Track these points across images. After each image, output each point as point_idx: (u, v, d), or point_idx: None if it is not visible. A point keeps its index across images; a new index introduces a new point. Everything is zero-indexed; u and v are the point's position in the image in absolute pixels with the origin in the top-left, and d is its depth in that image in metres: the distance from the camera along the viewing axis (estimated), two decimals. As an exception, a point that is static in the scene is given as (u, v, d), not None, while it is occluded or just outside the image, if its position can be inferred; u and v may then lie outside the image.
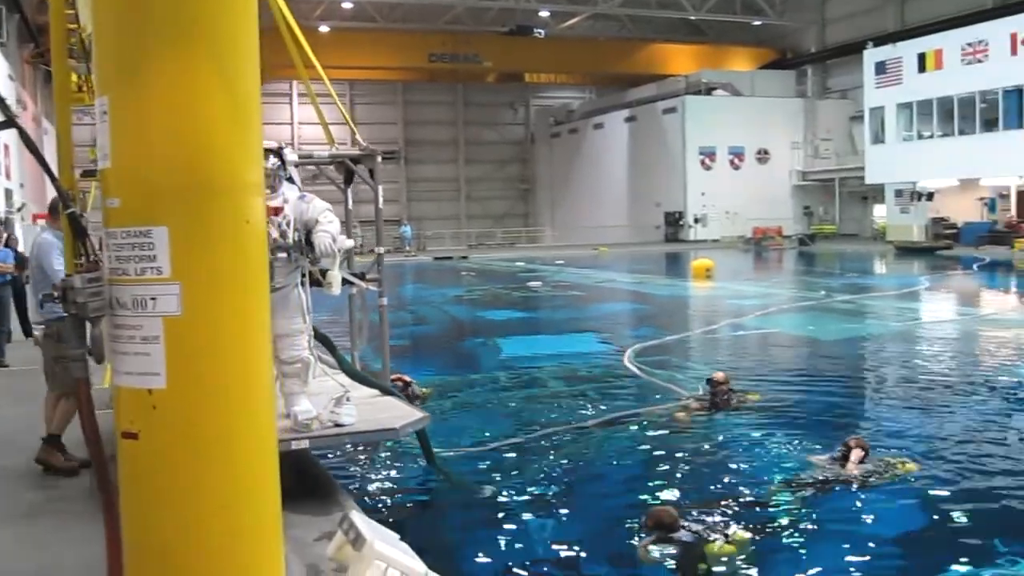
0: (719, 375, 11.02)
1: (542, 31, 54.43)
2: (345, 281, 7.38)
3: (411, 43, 55.57)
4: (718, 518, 6.81)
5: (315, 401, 6.83)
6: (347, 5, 51.87)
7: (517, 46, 55.90)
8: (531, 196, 71.63)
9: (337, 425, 6.64)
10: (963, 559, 6.16)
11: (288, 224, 6.67)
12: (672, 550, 6.22)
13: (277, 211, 6.63)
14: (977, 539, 6.46)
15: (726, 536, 6.33)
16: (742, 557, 6.17)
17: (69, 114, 5.17)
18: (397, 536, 4.11)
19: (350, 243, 7.23)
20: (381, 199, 8.66)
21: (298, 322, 6.83)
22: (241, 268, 3.11)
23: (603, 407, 10.99)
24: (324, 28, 52.15)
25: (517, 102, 70.71)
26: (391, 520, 6.61)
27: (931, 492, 7.50)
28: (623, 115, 60.36)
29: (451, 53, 57.01)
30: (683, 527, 6.44)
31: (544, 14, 54.47)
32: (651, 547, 6.29)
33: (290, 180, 7.04)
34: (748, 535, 6.41)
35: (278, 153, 6.86)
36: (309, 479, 6.77)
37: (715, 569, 6.10)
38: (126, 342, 3.13)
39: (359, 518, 4.09)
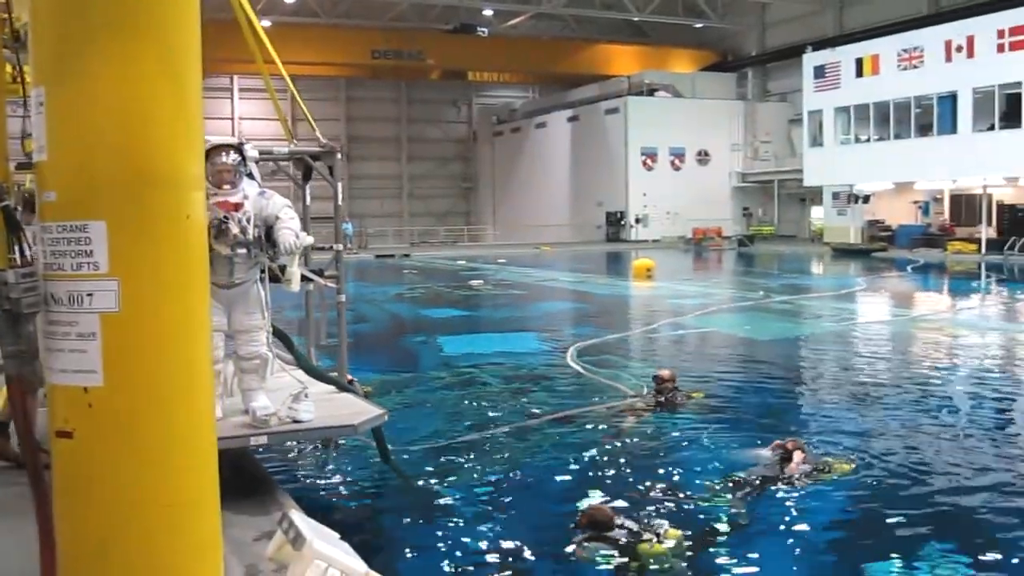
0: (665, 372, 11.09)
1: (486, 30, 54.39)
2: (304, 278, 7.36)
3: (354, 39, 55.20)
4: (655, 517, 6.84)
5: (273, 397, 6.79)
6: (289, 0, 51.47)
7: (461, 44, 55.79)
8: (473, 194, 71.59)
9: (295, 421, 6.61)
10: (897, 557, 6.25)
11: (248, 220, 6.63)
12: (607, 549, 6.24)
13: (237, 207, 6.60)
14: (911, 537, 6.56)
15: (658, 536, 6.32)
16: (676, 556, 6.19)
17: (3, 105, 5.05)
18: (337, 535, 4.08)
19: (310, 239, 7.17)
20: (341, 196, 8.62)
21: (257, 318, 6.84)
22: (181, 264, 3.06)
23: (545, 405, 11.00)
24: (266, 23, 51.44)
25: (460, 100, 70.61)
26: (332, 519, 6.56)
27: (866, 492, 7.59)
28: (566, 115, 60.57)
29: (394, 50, 56.73)
30: (619, 526, 6.46)
31: (488, 13, 54.45)
32: (586, 545, 6.31)
33: (250, 176, 6.98)
34: (681, 533, 6.41)
35: (239, 149, 6.81)
36: (247, 478, 6.68)
37: (652, 567, 6.11)
38: (61, 339, 3.06)
39: (299, 517, 4.05)
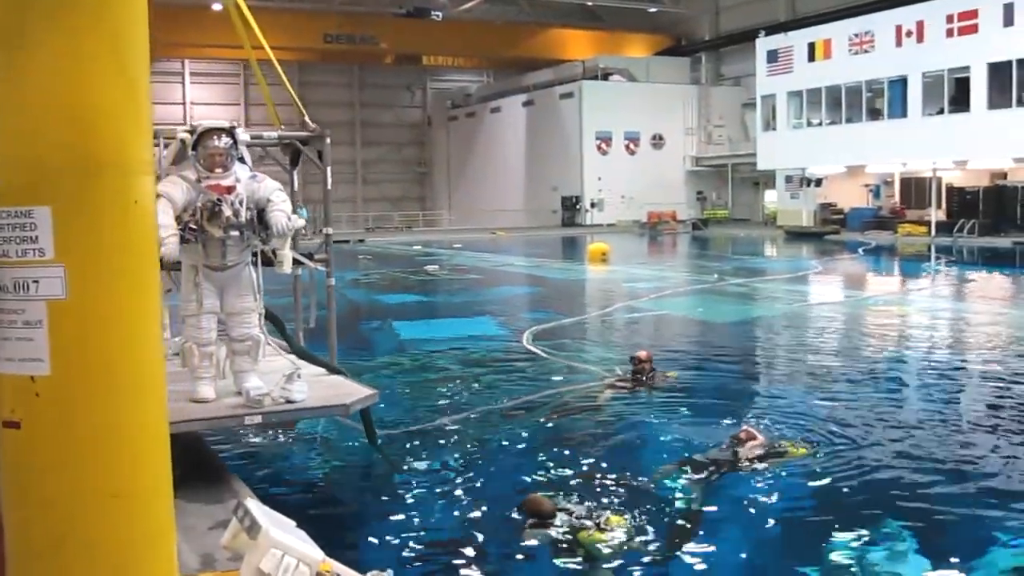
0: (643, 353, 11.17)
1: (439, 14, 54.11)
2: (295, 261, 7.47)
3: (306, 23, 54.58)
4: (605, 502, 6.83)
5: (264, 379, 6.91)
6: (240, -18, 50.75)
7: (414, 28, 55.43)
8: (428, 179, 71.32)
9: (289, 401, 6.72)
10: (852, 537, 6.32)
11: (241, 203, 6.76)
12: (549, 536, 6.24)
13: (230, 190, 6.75)
14: (866, 517, 6.62)
15: (598, 524, 6.28)
16: (619, 542, 6.17)
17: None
18: (294, 523, 4.03)
19: (302, 222, 7.28)
20: (330, 180, 8.68)
21: (249, 300, 7.01)
22: (130, 250, 2.98)
23: (503, 390, 11.02)
24: (216, 6, 50.89)
25: (414, 85, 70.21)
26: (290, 506, 6.51)
27: (821, 474, 7.65)
28: (520, 99, 60.46)
29: (347, 34, 56.22)
30: (563, 510, 6.45)
31: (442, -4, 54.20)
32: (530, 532, 6.31)
33: (241, 160, 7.09)
34: (625, 519, 6.39)
35: (230, 132, 6.93)
36: (203, 467, 6.62)
37: (597, 553, 6.10)
38: (7, 327, 2.99)
39: (254, 505, 3.99)
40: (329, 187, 8.69)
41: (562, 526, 6.28)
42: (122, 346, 2.97)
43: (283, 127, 8.77)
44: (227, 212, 6.69)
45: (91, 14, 2.87)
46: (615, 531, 6.23)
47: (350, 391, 7.33)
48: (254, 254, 7.03)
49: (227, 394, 7.05)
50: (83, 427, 2.92)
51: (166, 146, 7.48)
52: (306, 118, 8.60)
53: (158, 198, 6.42)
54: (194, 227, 6.74)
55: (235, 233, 6.77)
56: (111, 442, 2.94)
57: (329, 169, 8.61)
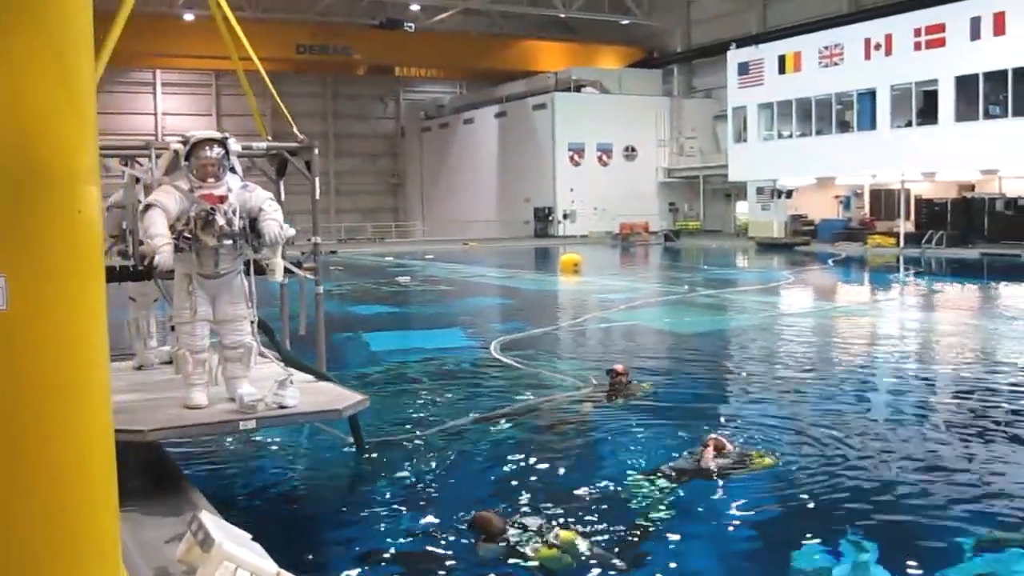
0: (619, 367, 11.29)
1: (412, 25, 54.08)
2: (285, 270, 7.57)
3: (279, 34, 54.35)
4: (566, 513, 6.79)
5: (257, 385, 7.06)
6: (212, -7, 50.56)
7: (387, 39, 55.37)
8: (401, 191, 71.22)
9: (281, 407, 6.85)
10: (817, 546, 6.32)
11: (234, 212, 6.93)
12: (500, 552, 6.18)
13: (222, 199, 6.92)
14: (832, 526, 6.63)
15: (546, 541, 6.20)
16: (568, 558, 6.12)
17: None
18: (249, 536, 4.00)
19: (293, 231, 7.40)
20: (318, 190, 8.78)
21: (241, 308, 7.19)
22: (73, 260, 2.91)
23: (472, 401, 10.98)
24: (189, 16, 50.78)
25: (387, 96, 70.13)
26: (250, 517, 6.46)
27: (787, 483, 7.66)
28: (493, 111, 60.50)
29: (320, 45, 56.12)
30: (516, 525, 6.39)
31: (415, 8, 54.20)
32: (482, 546, 6.26)
33: (232, 170, 7.23)
34: (575, 534, 6.33)
35: (222, 143, 7.09)
36: (162, 479, 6.55)
37: (549, 567, 6.05)
38: (-55, 338, 2.92)
39: (208, 518, 3.96)
40: (317, 197, 8.80)
41: (514, 542, 6.22)
42: (65, 356, 2.90)
43: (270, 138, 8.84)
44: (220, 221, 6.85)
45: (33, 26, 2.80)
46: (566, 546, 6.17)
47: (341, 396, 7.49)
48: (246, 262, 7.22)
49: (219, 400, 7.18)
50: (23, 441, 2.85)
51: (158, 157, 7.60)
52: (295, 129, 8.75)
53: (152, 208, 6.73)
54: (188, 236, 6.90)
55: (228, 242, 6.94)
56: (55, 455, 2.87)
57: (317, 180, 8.74)
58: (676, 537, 6.59)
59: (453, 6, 53.76)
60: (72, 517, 2.92)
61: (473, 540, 6.36)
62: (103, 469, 3.02)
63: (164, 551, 4.96)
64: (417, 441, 9.14)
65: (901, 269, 32.37)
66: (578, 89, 56.45)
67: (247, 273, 7.32)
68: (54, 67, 2.82)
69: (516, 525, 6.34)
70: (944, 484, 7.63)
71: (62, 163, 2.86)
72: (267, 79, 8.68)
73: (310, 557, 6.26)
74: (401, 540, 6.59)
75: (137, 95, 60.05)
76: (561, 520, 6.64)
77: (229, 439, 9.15)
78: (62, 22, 2.86)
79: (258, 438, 9.14)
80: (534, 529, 6.31)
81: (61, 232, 2.86)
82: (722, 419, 9.96)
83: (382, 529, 6.80)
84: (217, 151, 7.05)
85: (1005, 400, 10.86)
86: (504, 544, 6.19)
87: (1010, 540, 6.40)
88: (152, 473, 6.62)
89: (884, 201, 43.39)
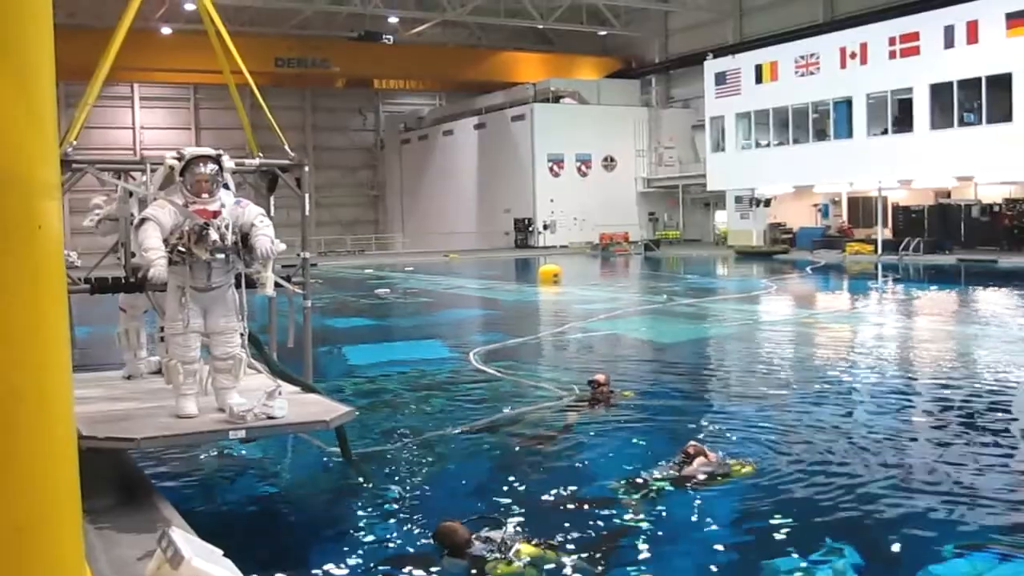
0: (600, 376, 11.31)
1: (391, 37, 54.21)
2: (275, 284, 7.71)
3: (257, 47, 54.20)
4: (537, 525, 6.76)
5: (246, 396, 7.23)
6: (190, 7, 50.42)
7: (366, 52, 55.51)
8: (381, 203, 71.20)
9: (270, 418, 6.98)
10: (795, 556, 6.32)
11: (227, 227, 7.13)
12: (462, 566, 6.14)
13: (215, 214, 7.14)
14: (809, 536, 6.61)
15: (506, 557, 6.11)
16: (536, 572, 6.08)
17: None
18: (220, 552, 3.96)
19: (283, 246, 7.54)
20: (308, 206, 8.93)
21: (233, 320, 7.40)
22: (33, 277, 2.83)
23: (451, 412, 10.94)
24: (166, 30, 50.68)
25: (366, 108, 70.18)
26: (228, 532, 6.43)
27: (766, 492, 7.64)
28: (472, 122, 60.61)
29: (298, 58, 56.18)
30: (482, 539, 6.34)
31: (393, 20, 54.26)
32: (446, 560, 6.21)
33: (225, 186, 7.47)
34: (538, 549, 6.25)
35: (216, 160, 7.31)
36: (136, 496, 6.50)
37: None
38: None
39: (178, 534, 3.93)
40: (308, 212, 8.91)
41: (477, 554, 6.17)
42: (23, 378, 2.82)
43: (261, 155, 8.87)
44: (213, 236, 7.04)
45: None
46: (534, 559, 6.13)
47: (328, 408, 7.62)
48: (237, 276, 7.39)
49: (209, 410, 7.33)
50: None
51: (153, 172, 7.77)
52: (286, 147, 8.89)
53: (146, 222, 6.94)
54: (182, 250, 7.09)
55: (221, 256, 7.13)
56: (15, 474, 2.81)
57: (307, 196, 8.88)
58: (654, 546, 6.57)
59: (431, 18, 53.86)
60: (34, 534, 2.86)
61: (440, 554, 6.31)
62: (66, 487, 2.97)
63: (137, 568, 4.92)
64: (399, 453, 9.10)
65: (879, 276, 32.56)
66: (557, 100, 56.66)
67: (238, 286, 7.49)
68: (11, 80, 2.75)
69: (480, 539, 6.29)
70: (923, 491, 7.64)
71: (21, 178, 2.79)
72: (258, 94, 8.76)
73: (291, 571, 6.22)
74: (383, 553, 6.55)
75: (115, 109, 59.79)
76: (528, 531, 6.58)
77: (209, 453, 9.13)
78: (20, 33, 2.79)
79: (243, 452, 9.11)
80: (496, 543, 6.25)
81: (20, 248, 2.78)
82: (702, 427, 9.96)
83: (364, 542, 6.76)
84: (211, 167, 7.26)
85: (983, 406, 10.91)
86: (469, 559, 6.15)
87: (988, 546, 6.41)
88: (126, 489, 6.58)
89: (862, 208, 43.69)
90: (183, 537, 3.94)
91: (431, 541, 6.47)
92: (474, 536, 6.32)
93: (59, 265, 2.97)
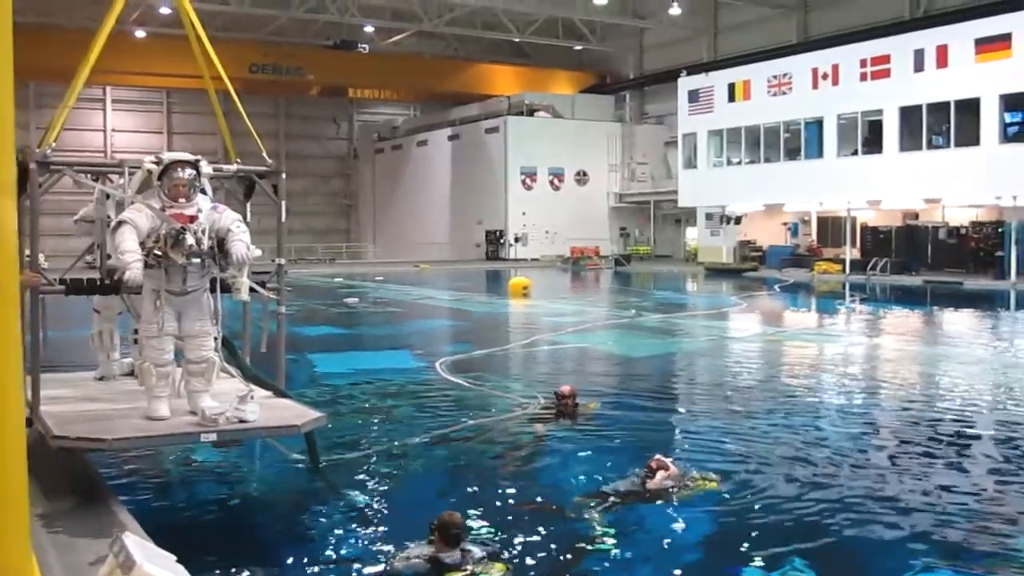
0: (565, 388, 11.30)
1: (367, 46, 54.21)
2: (250, 289, 7.74)
3: (231, 53, 53.86)
4: (499, 538, 6.76)
5: (218, 399, 7.33)
6: (164, 11, 50.15)
7: (341, 60, 55.48)
8: (354, 212, 71.04)
9: (242, 421, 7.06)
10: (756, 570, 6.34)
11: (204, 232, 7.23)
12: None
13: (192, 219, 7.23)
14: (770, 550, 6.63)
15: (472, 573, 6.10)
16: None
17: None
18: (174, 558, 3.93)
19: (259, 252, 7.61)
20: (284, 213, 8.91)
21: (207, 324, 7.51)
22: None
23: (417, 422, 10.91)
24: (140, 33, 50.41)
25: (340, 117, 70.08)
26: (183, 539, 6.38)
27: (729, 507, 7.66)
28: (447, 133, 60.67)
29: (273, 65, 56.02)
30: (463, 549, 6.31)
31: (369, 29, 54.27)
32: (435, 543, 6.22)
33: (203, 191, 7.55)
34: (507, 566, 6.23)
35: (194, 165, 7.42)
36: (93, 500, 6.45)
37: None
38: None
39: (131, 540, 3.90)
40: (284, 219, 8.89)
41: (453, 565, 6.16)
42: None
43: (239, 161, 8.86)
44: (190, 240, 7.13)
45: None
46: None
47: (299, 413, 7.71)
48: (212, 280, 7.50)
49: (181, 413, 7.41)
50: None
51: (131, 175, 7.80)
52: (263, 153, 8.96)
53: (123, 224, 7.00)
54: (157, 253, 7.17)
55: (196, 260, 7.23)
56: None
57: (284, 203, 8.89)
58: (615, 559, 6.57)
59: (408, 28, 53.89)
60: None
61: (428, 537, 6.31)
62: (14, 483, 2.90)
63: (89, 573, 4.88)
64: (363, 461, 9.07)
65: (847, 295, 32.81)
66: (531, 113, 56.83)
67: (213, 291, 7.59)
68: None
69: (462, 549, 6.26)
70: (888, 508, 7.66)
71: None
72: (237, 100, 8.76)
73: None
74: (342, 560, 6.52)
75: (87, 111, 59.35)
76: (493, 545, 6.59)
77: (174, 458, 9.08)
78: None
79: (208, 458, 9.05)
80: (476, 557, 6.23)
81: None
82: (666, 441, 9.99)
83: (325, 549, 6.73)
84: (189, 172, 7.35)
85: (947, 424, 11.00)
86: (445, 568, 6.14)
87: (952, 565, 6.46)
88: (83, 493, 6.54)
89: (831, 228, 44.03)
90: (135, 542, 3.90)
91: (402, 547, 6.45)
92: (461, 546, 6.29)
93: (11, 263, 2.92)
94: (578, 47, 59.75)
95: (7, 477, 2.89)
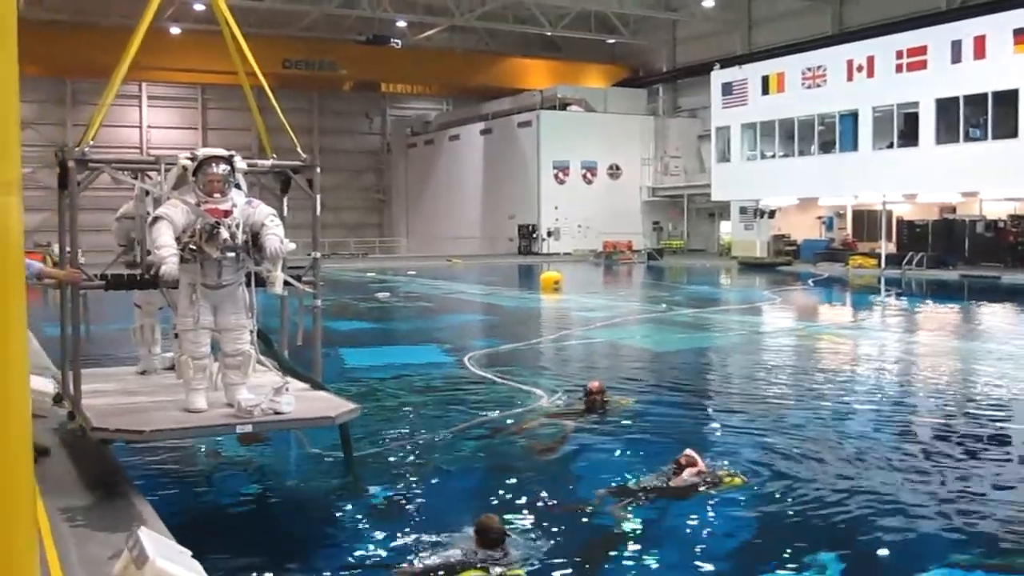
0: (595, 384, 11.29)
1: (399, 41, 54.23)
2: (285, 283, 7.82)
3: (265, 48, 54.11)
4: (527, 532, 6.77)
5: (254, 392, 7.48)
6: (199, 7, 50.45)
7: (374, 55, 55.50)
8: (386, 206, 71.20)
9: (277, 413, 7.20)
10: (781, 567, 6.30)
11: (238, 226, 7.37)
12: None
13: (227, 214, 7.38)
14: (797, 549, 6.60)
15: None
16: None
17: None
18: (189, 553, 3.94)
19: (292, 246, 7.67)
20: (319, 207, 9.05)
21: (243, 318, 7.66)
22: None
23: (447, 417, 10.94)
24: (175, 30, 50.76)
25: (373, 112, 70.20)
26: (222, 532, 6.48)
27: (757, 504, 7.64)
28: (479, 127, 60.64)
29: (306, 60, 56.23)
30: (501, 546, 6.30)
31: (401, 24, 54.30)
32: (479, 549, 6.21)
33: (237, 186, 7.70)
34: (523, 572, 6.22)
35: (228, 160, 7.55)
36: (115, 495, 6.51)
37: None
38: None
39: (146, 534, 3.92)
40: (319, 213, 9.03)
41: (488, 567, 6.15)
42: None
43: (275, 156, 8.93)
44: (224, 234, 7.26)
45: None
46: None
47: (334, 405, 7.81)
48: (247, 274, 7.61)
49: (218, 405, 7.55)
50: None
51: (168, 171, 7.93)
52: (298, 148, 8.94)
53: (159, 220, 7.16)
54: (193, 248, 7.32)
55: (231, 254, 7.35)
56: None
57: (319, 197, 9.01)
58: (643, 556, 6.56)
59: (440, 23, 53.88)
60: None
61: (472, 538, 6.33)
62: (21, 483, 2.89)
63: (108, 568, 4.92)
64: (392, 456, 9.10)
65: (882, 290, 32.50)
66: (563, 107, 56.67)
67: (248, 285, 7.70)
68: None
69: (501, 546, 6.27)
70: (917, 507, 7.61)
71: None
72: (271, 96, 8.78)
73: (284, 570, 6.21)
74: (374, 557, 6.54)
75: (123, 108, 59.82)
76: (524, 547, 6.57)
77: (201, 454, 9.16)
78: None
79: (239, 452, 9.12)
80: (516, 556, 6.23)
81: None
82: (696, 437, 9.93)
83: (356, 544, 6.76)
84: (223, 168, 7.47)
85: (980, 424, 10.87)
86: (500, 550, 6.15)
87: (986, 565, 6.38)
88: (105, 487, 6.61)
89: (866, 222, 43.60)
90: (150, 537, 3.93)
91: (430, 542, 6.46)
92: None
93: (17, 261, 2.89)
94: (611, 40, 59.39)
95: (14, 476, 2.89)
